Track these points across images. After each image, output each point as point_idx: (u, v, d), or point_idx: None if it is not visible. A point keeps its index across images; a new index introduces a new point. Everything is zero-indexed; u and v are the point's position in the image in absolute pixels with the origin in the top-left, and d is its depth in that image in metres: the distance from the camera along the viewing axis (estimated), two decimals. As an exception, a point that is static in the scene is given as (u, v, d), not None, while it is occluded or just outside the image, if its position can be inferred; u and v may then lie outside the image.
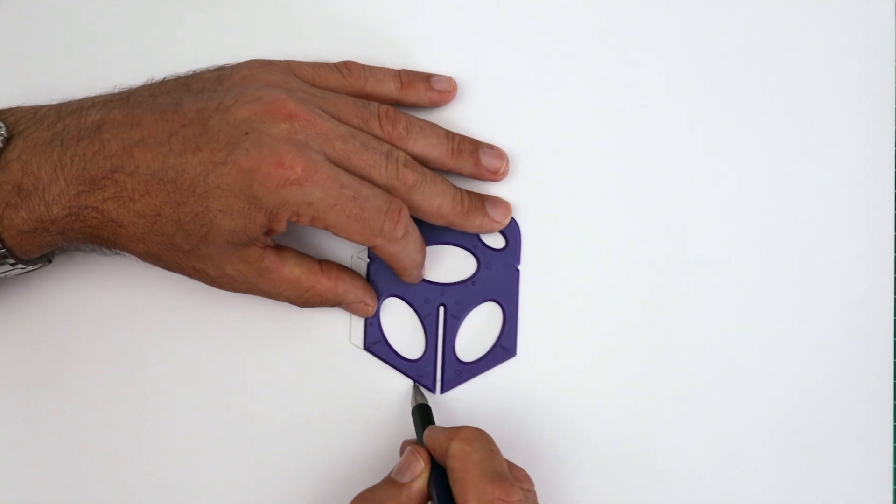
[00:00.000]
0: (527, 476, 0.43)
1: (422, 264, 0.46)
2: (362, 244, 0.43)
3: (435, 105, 0.49)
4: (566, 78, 0.50)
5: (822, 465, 0.47)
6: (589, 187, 0.49)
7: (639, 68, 0.50)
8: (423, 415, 0.45)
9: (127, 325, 0.48)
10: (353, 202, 0.41)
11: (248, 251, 0.43)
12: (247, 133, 0.41)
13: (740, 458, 0.47)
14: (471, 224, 0.47)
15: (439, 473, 0.41)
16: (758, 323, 0.48)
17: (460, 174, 0.48)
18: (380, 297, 0.48)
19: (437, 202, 0.45)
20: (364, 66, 0.48)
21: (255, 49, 0.49)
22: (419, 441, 0.43)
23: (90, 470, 0.47)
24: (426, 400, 0.46)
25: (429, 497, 0.41)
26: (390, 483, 0.42)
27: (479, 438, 0.41)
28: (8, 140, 0.42)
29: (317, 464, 0.47)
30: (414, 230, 0.44)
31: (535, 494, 0.42)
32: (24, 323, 0.48)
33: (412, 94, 0.48)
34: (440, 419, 0.47)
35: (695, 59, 0.50)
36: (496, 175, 0.48)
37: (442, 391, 0.48)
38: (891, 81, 0.50)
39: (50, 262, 0.45)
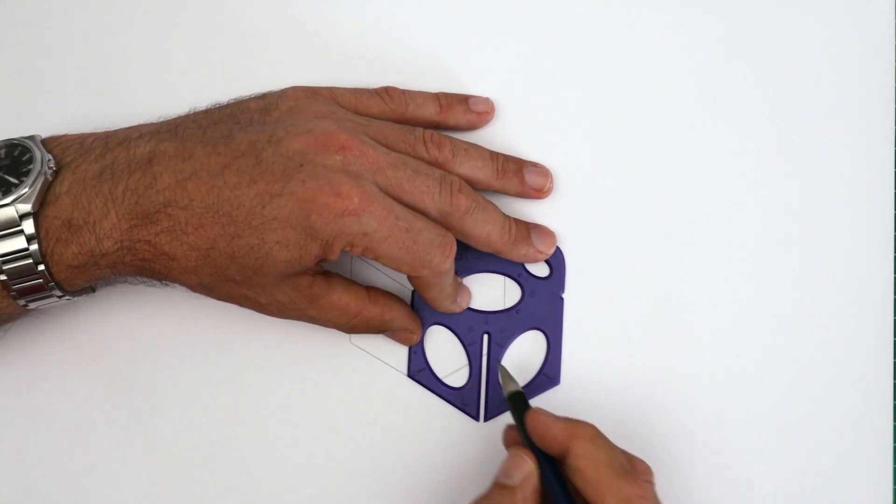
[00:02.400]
0: (648, 467, 0.42)
1: (453, 296, 0.46)
2: (408, 274, 0.43)
3: (473, 127, 0.49)
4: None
5: (822, 465, 0.47)
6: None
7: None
8: (518, 403, 0.43)
9: (133, 337, 0.48)
10: (406, 234, 0.41)
11: (299, 279, 0.43)
12: (301, 165, 0.41)
13: (740, 459, 0.47)
14: (516, 253, 0.47)
15: (549, 467, 0.41)
16: (765, 327, 0.48)
17: (505, 194, 0.48)
18: (424, 325, 0.48)
19: (487, 229, 0.45)
20: (404, 91, 0.48)
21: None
22: (518, 426, 0.43)
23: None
24: (518, 386, 0.45)
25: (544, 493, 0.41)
26: (501, 488, 0.40)
27: (600, 436, 0.40)
28: (56, 173, 0.41)
29: (317, 464, 0.47)
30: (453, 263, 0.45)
31: (654, 484, 0.41)
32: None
33: (451, 116, 0.48)
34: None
35: (706, 68, 0.50)
36: (541, 193, 0.48)
37: (486, 419, 0.48)
38: (891, 81, 0.50)
39: (94, 290, 0.45)
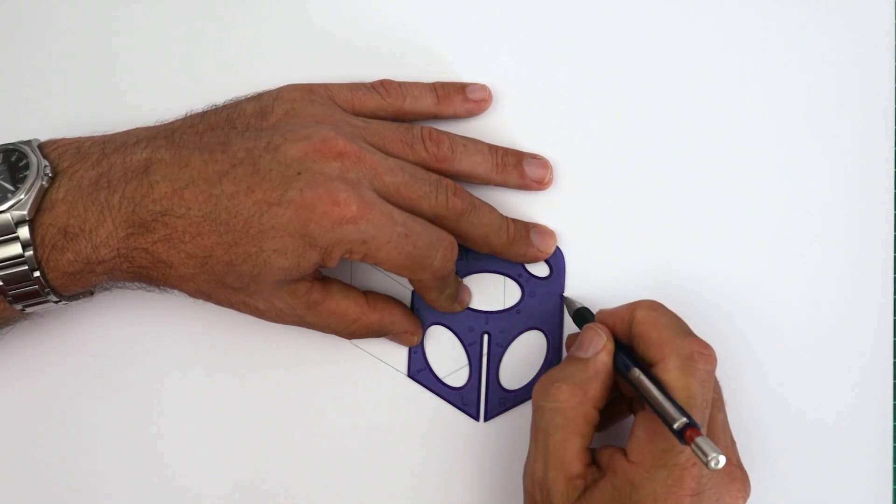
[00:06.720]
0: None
1: (454, 296, 0.46)
2: (409, 278, 0.43)
3: (472, 115, 0.49)
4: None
5: (822, 464, 0.47)
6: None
7: (654, 70, 0.50)
8: (584, 317, 0.45)
9: (131, 340, 0.48)
10: (405, 239, 0.41)
11: (297, 285, 0.42)
12: (299, 173, 0.40)
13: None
14: (514, 253, 0.47)
15: (619, 347, 0.42)
16: (766, 327, 0.48)
17: (506, 187, 0.48)
18: (424, 325, 0.48)
19: (484, 231, 0.45)
20: (400, 84, 0.48)
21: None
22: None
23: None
24: (580, 304, 0.46)
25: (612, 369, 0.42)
26: (574, 360, 0.42)
27: (661, 305, 0.42)
28: (53, 178, 0.41)
29: (317, 464, 0.47)
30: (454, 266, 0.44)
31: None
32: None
33: (449, 106, 0.48)
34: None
35: (706, 64, 0.50)
36: (541, 184, 0.48)
37: (486, 419, 0.48)
38: (891, 81, 0.50)
39: (92, 294, 0.45)
